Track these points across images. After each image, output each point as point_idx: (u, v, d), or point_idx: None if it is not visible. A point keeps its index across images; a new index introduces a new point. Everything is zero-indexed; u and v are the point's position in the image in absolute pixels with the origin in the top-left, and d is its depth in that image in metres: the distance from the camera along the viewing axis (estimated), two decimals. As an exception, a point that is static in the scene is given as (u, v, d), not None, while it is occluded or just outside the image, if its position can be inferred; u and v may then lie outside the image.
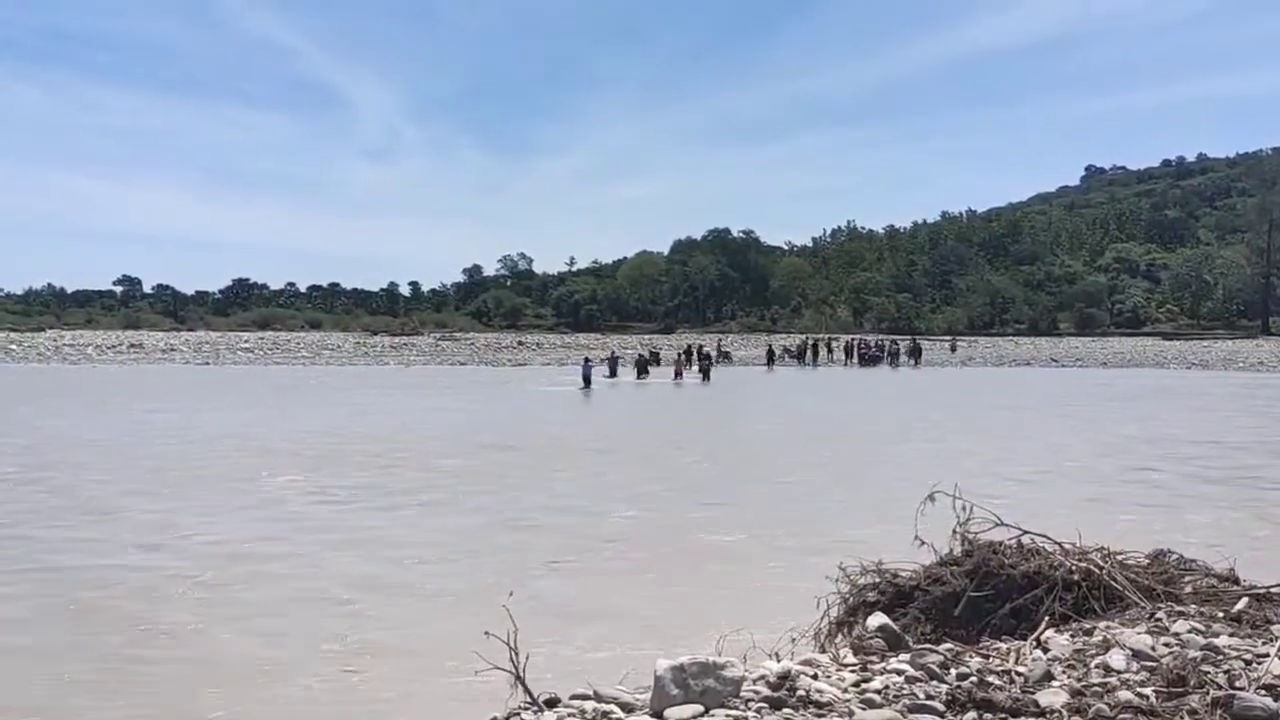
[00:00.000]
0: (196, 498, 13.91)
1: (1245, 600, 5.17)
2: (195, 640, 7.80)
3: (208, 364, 55.54)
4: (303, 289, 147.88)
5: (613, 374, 46.67)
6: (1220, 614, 5.03)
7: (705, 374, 46.62)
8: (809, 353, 62.01)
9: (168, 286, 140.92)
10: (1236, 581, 5.80)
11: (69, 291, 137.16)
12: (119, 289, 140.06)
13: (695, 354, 53.01)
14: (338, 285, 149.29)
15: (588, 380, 39.75)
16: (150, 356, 60.08)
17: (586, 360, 43.30)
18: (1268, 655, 4.28)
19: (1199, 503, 13.83)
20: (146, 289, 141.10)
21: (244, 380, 42.32)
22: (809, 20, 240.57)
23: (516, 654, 4.32)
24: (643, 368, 47.62)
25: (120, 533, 11.67)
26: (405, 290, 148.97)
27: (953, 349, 71.14)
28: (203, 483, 15.17)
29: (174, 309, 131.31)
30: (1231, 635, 4.65)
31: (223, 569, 9.96)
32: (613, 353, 52.46)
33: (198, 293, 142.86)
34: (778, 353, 61.48)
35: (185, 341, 74.62)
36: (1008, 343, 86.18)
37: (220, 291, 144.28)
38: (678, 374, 47.15)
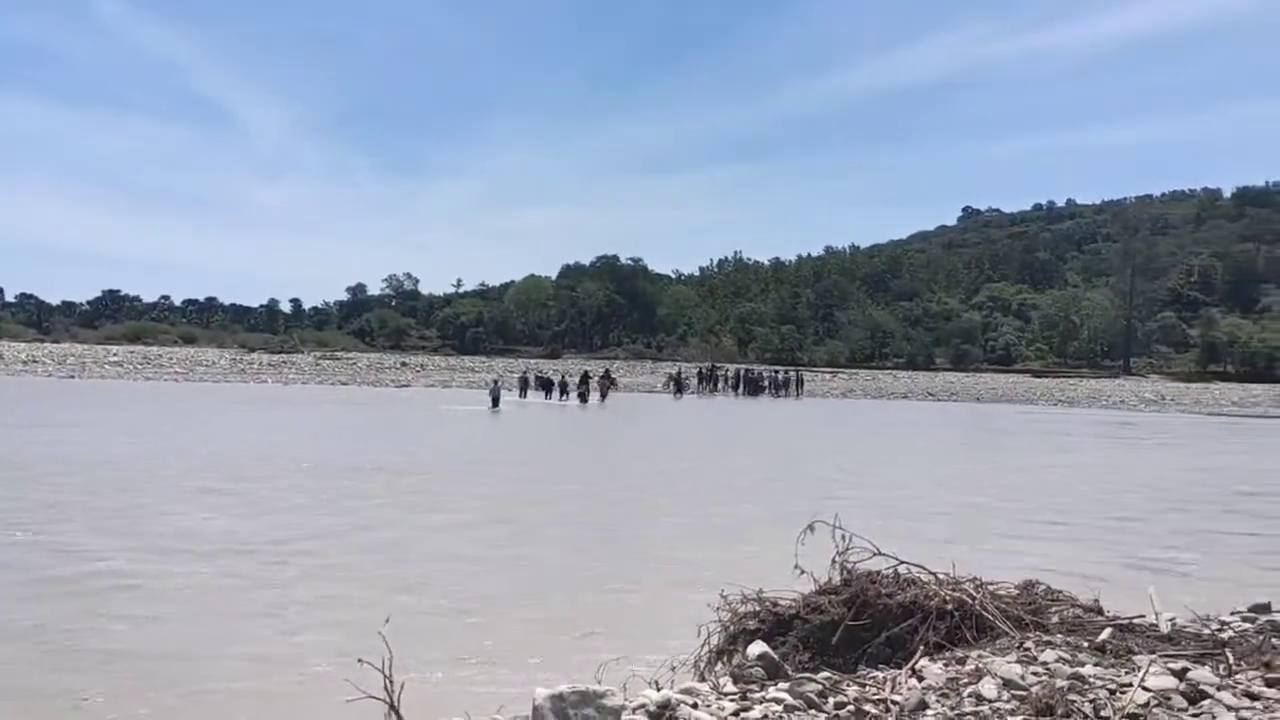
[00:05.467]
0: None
1: (1109, 630, 5.33)
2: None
3: (73, 377, 53.21)
4: (178, 303, 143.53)
5: (523, 394, 49.22)
6: (1085, 643, 5.17)
7: (583, 398, 47.56)
8: (708, 380, 62.58)
9: (31, 295, 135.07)
10: (1100, 612, 5.99)
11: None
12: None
13: (601, 377, 53.43)
14: (215, 300, 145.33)
15: (496, 400, 40.26)
16: (10, 368, 57.33)
17: (495, 381, 44.55)
18: (1130, 685, 4.41)
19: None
20: (9, 298, 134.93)
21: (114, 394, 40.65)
22: (703, 59, 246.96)
23: (391, 682, 4.20)
24: (563, 389, 49.31)
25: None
26: (286, 307, 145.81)
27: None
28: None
29: (38, 319, 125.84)
30: (1096, 665, 4.78)
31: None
32: (526, 372, 55.31)
33: (64, 303, 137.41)
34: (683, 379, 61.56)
35: (49, 353, 71.44)
36: (887, 376, 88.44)
37: (88, 303, 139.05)
38: (601, 395, 49.43)
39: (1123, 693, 4.34)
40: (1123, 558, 12.45)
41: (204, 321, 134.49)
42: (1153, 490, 19.76)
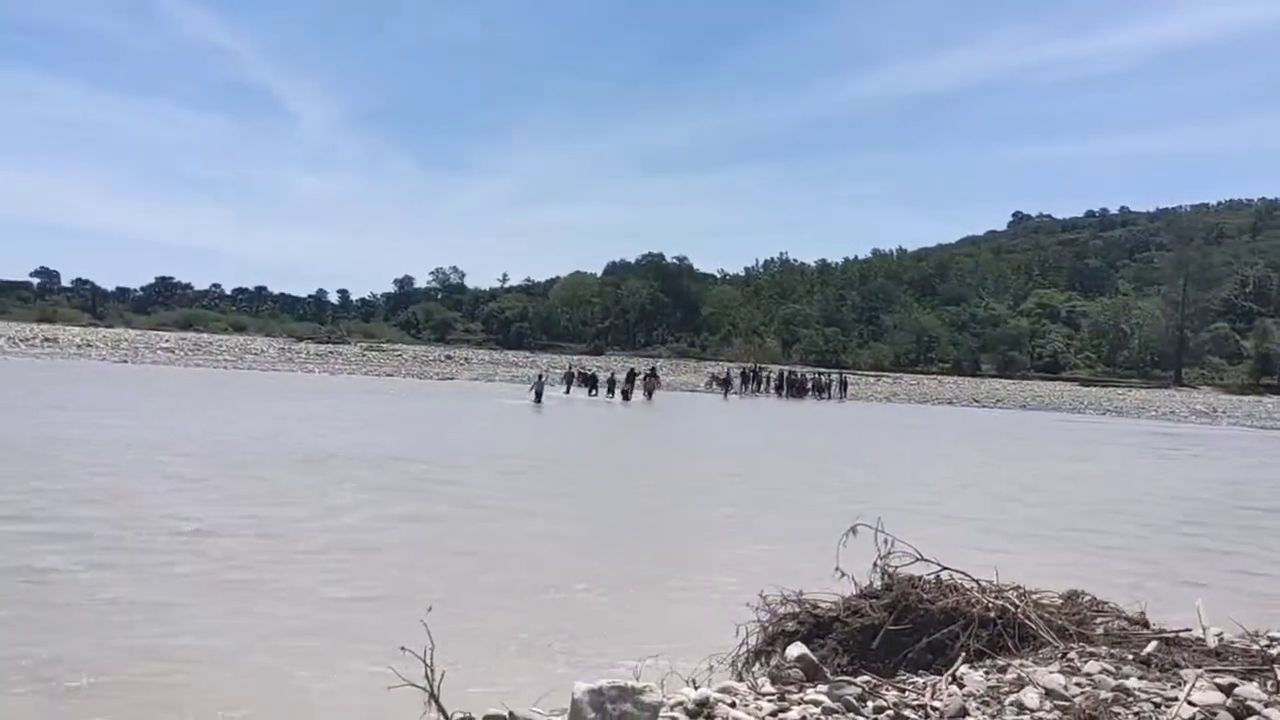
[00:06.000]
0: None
1: (1155, 643, 5.25)
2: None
3: (125, 362, 54.13)
4: (228, 291, 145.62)
5: (568, 389, 48.52)
6: (1130, 656, 5.09)
7: (626, 395, 47.80)
8: (751, 380, 62.55)
9: (87, 281, 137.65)
10: (1146, 624, 5.90)
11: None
12: (35, 281, 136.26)
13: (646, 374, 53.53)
14: (264, 289, 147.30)
15: (539, 395, 40.23)
16: (65, 352, 58.45)
17: (540, 376, 44.37)
18: (1176, 699, 4.34)
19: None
20: (65, 283, 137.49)
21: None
22: (741, 55, 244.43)
23: (432, 670, 4.23)
24: (610, 385, 49.17)
25: None
26: (334, 298, 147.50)
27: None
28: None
29: (93, 304, 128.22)
30: (1141, 678, 4.72)
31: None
32: (570, 368, 54.96)
33: (118, 289, 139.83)
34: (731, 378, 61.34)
35: (103, 338, 72.73)
36: (932, 381, 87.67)
37: (142, 289, 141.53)
38: (648, 393, 49.30)
39: (1168, 707, 4.28)
40: (1162, 570, 12.27)
41: (253, 310, 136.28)
42: (1194, 502, 19.50)
